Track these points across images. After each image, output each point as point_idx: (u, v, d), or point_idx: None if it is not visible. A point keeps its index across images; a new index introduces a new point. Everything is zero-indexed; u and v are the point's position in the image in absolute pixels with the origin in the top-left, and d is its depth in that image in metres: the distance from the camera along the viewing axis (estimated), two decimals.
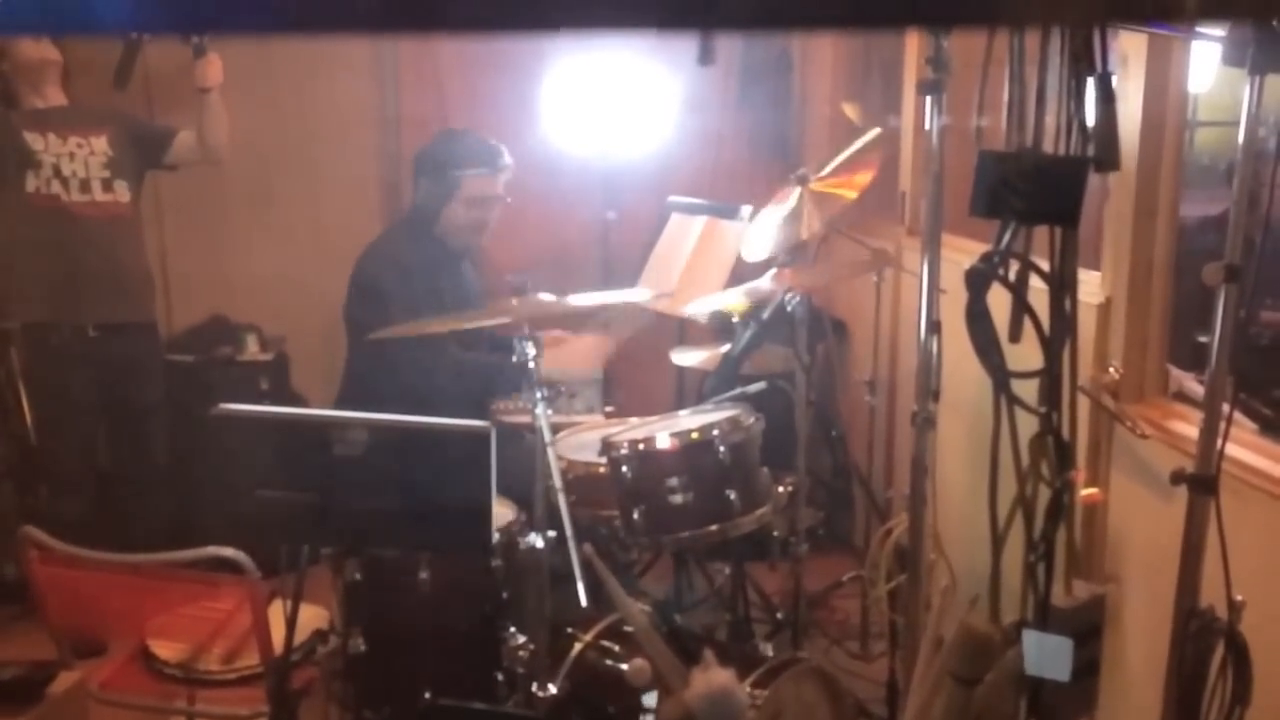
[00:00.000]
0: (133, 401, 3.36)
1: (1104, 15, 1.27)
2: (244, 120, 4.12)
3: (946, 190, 1.95)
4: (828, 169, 3.03)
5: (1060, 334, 1.54)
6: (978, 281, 1.53)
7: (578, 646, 2.30)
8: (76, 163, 3.10)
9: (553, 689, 2.14)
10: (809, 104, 4.66)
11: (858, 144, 3.03)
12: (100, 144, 3.20)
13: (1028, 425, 1.61)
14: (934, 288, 1.96)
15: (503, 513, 2.40)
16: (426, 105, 4.35)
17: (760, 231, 3.07)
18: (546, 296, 2.31)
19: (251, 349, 4.09)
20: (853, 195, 2.89)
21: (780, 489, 2.69)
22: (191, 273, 4.11)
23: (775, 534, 3.05)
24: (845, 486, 3.98)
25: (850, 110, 4.40)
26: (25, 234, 3.12)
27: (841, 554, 3.80)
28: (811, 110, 4.65)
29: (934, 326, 1.97)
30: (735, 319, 3.08)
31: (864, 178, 2.91)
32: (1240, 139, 1.47)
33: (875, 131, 3.04)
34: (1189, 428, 2.04)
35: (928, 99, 1.89)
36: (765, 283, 2.92)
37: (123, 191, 3.15)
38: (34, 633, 2.41)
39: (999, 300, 1.58)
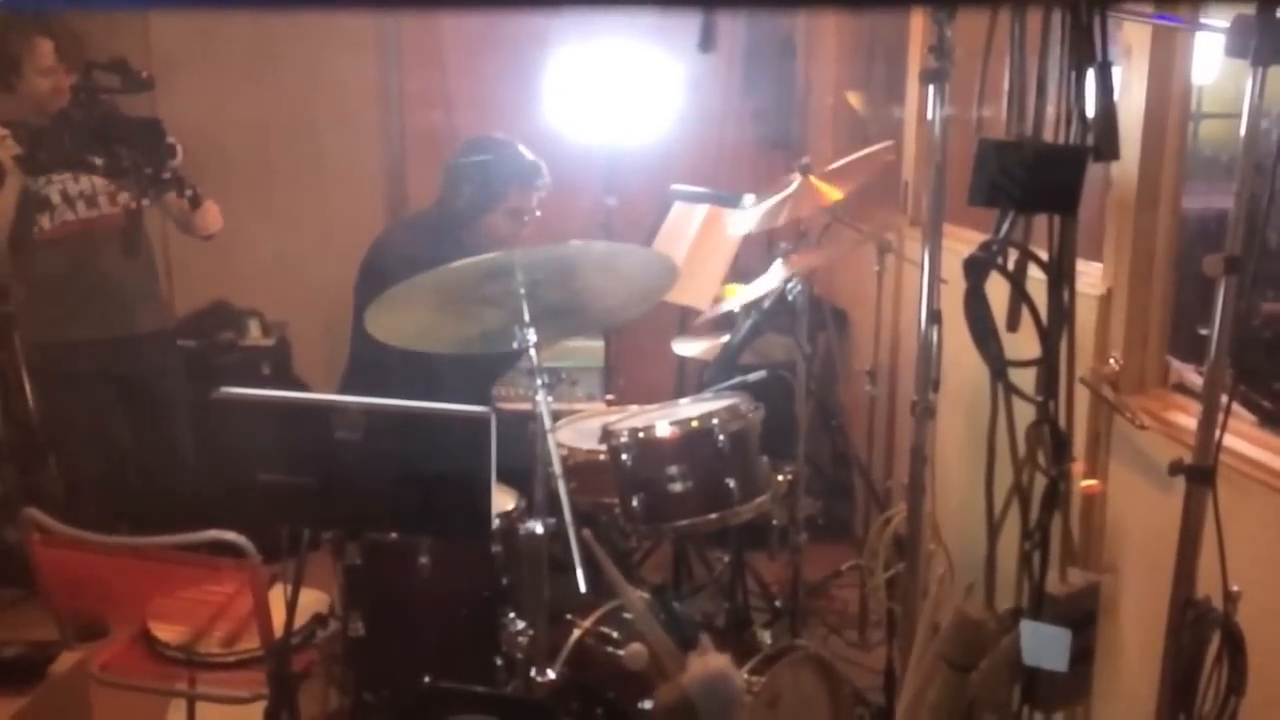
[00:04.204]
0: (153, 403, 3.35)
1: None
2: (246, 104, 4.13)
3: (949, 180, 1.95)
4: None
5: (1057, 324, 1.54)
6: (976, 270, 1.54)
7: (576, 632, 2.31)
8: (82, 182, 3.08)
9: (551, 674, 2.15)
10: (813, 92, 4.66)
11: (863, 152, 3.04)
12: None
13: (1027, 415, 1.61)
14: (935, 278, 1.96)
15: (503, 499, 2.40)
16: (430, 88, 4.35)
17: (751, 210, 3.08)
18: None
19: (254, 334, 4.11)
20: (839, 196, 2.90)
21: (780, 478, 2.69)
22: (194, 258, 4.12)
23: (774, 523, 3.06)
24: (844, 476, 3.99)
25: (854, 99, 4.39)
26: (39, 268, 3.13)
27: (840, 543, 3.82)
28: (815, 98, 4.64)
29: (934, 316, 1.97)
30: (736, 308, 3.08)
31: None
32: (1243, 131, 1.47)
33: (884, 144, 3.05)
34: (1188, 419, 2.04)
35: (930, 88, 1.88)
36: (770, 273, 2.92)
37: (124, 200, 3.13)
38: (36, 614, 2.42)
39: (998, 289, 1.58)
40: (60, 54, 2.92)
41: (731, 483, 2.42)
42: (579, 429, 2.85)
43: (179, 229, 3.20)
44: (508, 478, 2.41)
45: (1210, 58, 2.29)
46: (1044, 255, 1.60)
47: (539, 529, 2.12)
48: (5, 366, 3.57)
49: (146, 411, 3.36)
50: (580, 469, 2.59)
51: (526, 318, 2.17)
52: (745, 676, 2.12)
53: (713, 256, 3.51)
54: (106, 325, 3.18)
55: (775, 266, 2.91)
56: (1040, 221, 1.57)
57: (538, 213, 3.00)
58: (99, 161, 2.77)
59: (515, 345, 2.20)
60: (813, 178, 2.96)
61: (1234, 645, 1.59)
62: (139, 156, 2.77)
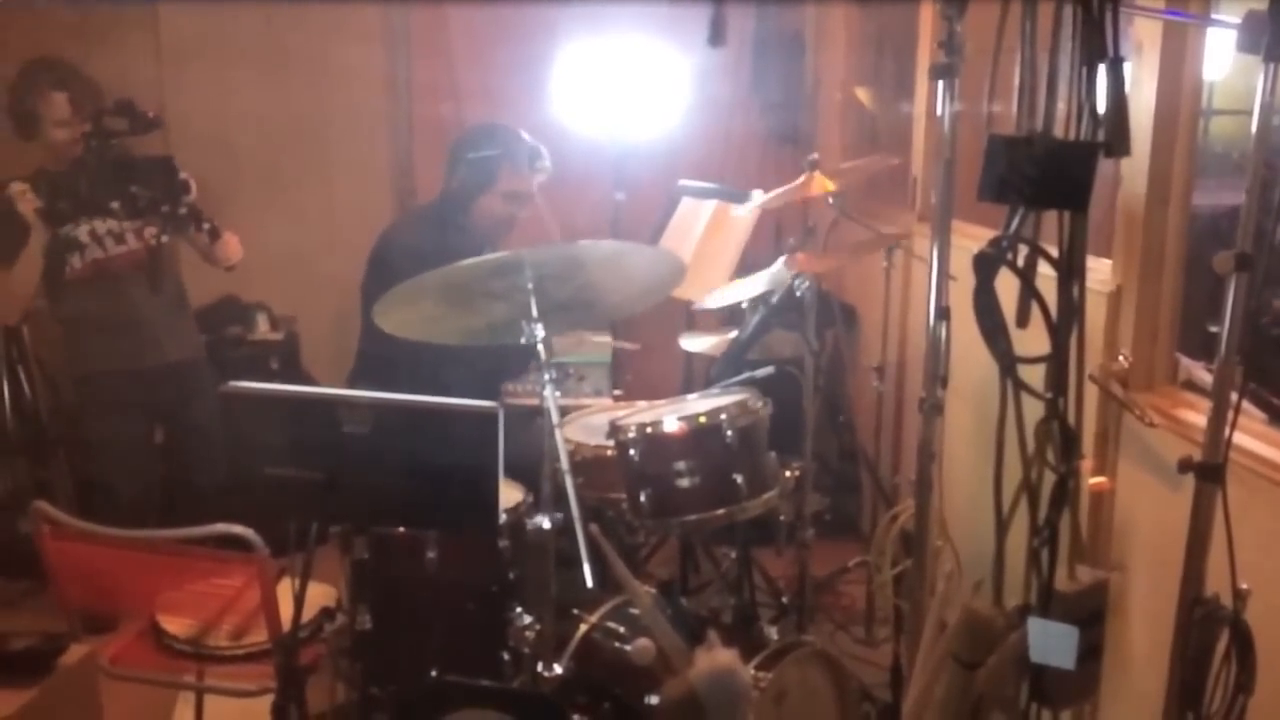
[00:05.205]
0: (188, 431, 3.37)
1: None
2: (254, 97, 4.13)
3: (958, 176, 1.95)
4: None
5: (1067, 320, 1.53)
6: (985, 266, 1.53)
7: (583, 627, 2.32)
8: (109, 220, 3.11)
9: (558, 669, 2.16)
10: (822, 87, 4.65)
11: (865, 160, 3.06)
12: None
13: (1035, 412, 1.60)
14: (943, 274, 1.96)
15: (510, 494, 2.41)
16: (438, 83, 4.35)
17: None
18: None
19: (262, 328, 4.11)
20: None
21: (787, 474, 2.69)
22: None
23: (782, 518, 3.06)
24: (852, 472, 3.99)
25: (863, 94, 4.38)
26: (72, 306, 3.17)
27: (847, 539, 3.81)
28: (824, 93, 4.63)
29: (943, 313, 1.96)
30: (744, 304, 3.08)
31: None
32: (1253, 127, 1.47)
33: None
34: (1197, 416, 2.03)
35: (940, 83, 1.88)
36: (777, 268, 2.92)
37: (151, 234, 3.16)
38: (45, 606, 2.43)
39: (1007, 286, 1.57)
40: (74, 106, 2.98)
41: (739, 478, 2.42)
42: (587, 424, 2.85)
43: (203, 260, 3.23)
44: (515, 473, 2.41)
45: (1221, 54, 2.28)
46: (1054, 251, 1.59)
47: (546, 524, 2.12)
48: (15, 362, 3.60)
49: (182, 438, 3.40)
50: (588, 464, 2.60)
51: (535, 313, 2.17)
52: (752, 672, 2.12)
53: (720, 252, 3.51)
54: (139, 356, 3.22)
55: (779, 263, 2.91)
56: (1050, 217, 1.56)
57: (537, 198, 2.99)
58: (116, 205, 2.88)
59: (523, 340, 2.20)
60: (819, 174, 2.96)
61: (1243, 643, 1.58)
62: (154, 195, 2.86)
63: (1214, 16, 2.12)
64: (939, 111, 1.89)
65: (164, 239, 3.00)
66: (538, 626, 2.18)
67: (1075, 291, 1.54)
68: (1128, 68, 1.47)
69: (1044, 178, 1.44)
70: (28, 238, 2.91)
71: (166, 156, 2.90)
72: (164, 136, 3.30)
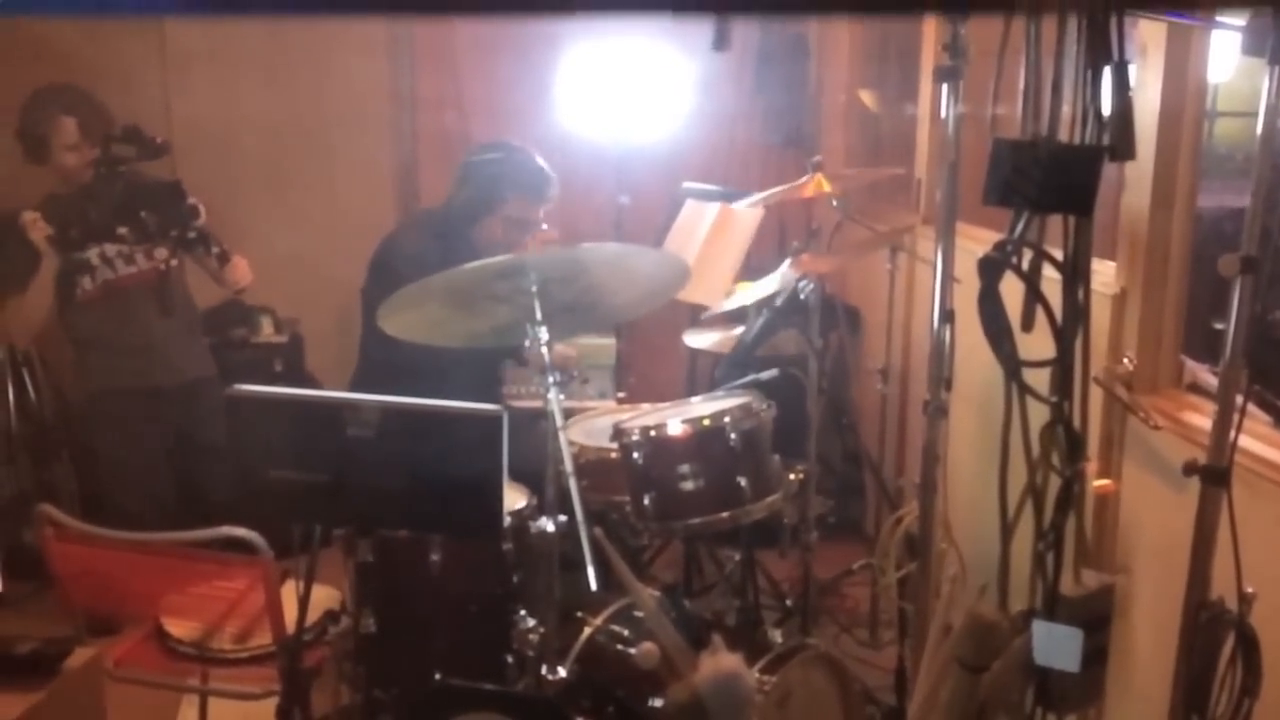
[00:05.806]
0: (200, 449, 3.37)
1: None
2: (259, 104, 4.14)
3: (962, 179, 1.95)
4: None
5: (1072, 323, 1.53)
6: (990, 270, 1.53)
7: (587, 630, 2.32)
8: (120, 244, 3.13)
9: (562, 672, 2.16)
10: (825, 90, 4.65)
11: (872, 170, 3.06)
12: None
13: (1040, 415, 1.60)
14: (948, 276, 1.96)
15: (514, 497, 2.41)
16: (442, 88, 4.36)
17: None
18: None
19: (266, 331, 4.12)
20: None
21: (791, 476, 2.69)
22: None
23: (786, 521, 3.05)
24: (856, 474, 3.99)
25: (867, 97, 4.38)
26: (83, 327, 3.19)
27: (852, 542, 3.81)
28: (828, 97, 4.63)
29: (947, 315, 1.96)
30: (748, 303, 3.08)
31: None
32: (1259, 129, 1.46)
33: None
34: (1202, 419, 2.03)
35: (944, 86, 1.88)
36: (782, 271, 2.92)
37: (161, 255, 3.17)
38: (50, 609, 2.43)
39: (1012, 289, 1.57)
40: (83, 130, 3.00)
41: (743, 481, 2.42)
42: (591, 427, 2.85)
43: (214, 283, 3.24)
44: (519, 476, 2.41)
45: (1226, 56, 2.28)
46: (1058, 255, 1.59)
47: (550, 527, 2.12)
48: (20, 365, 3.61)
49: (193, 456, 3.40)
50: (591, 467, 2.60)
51: (539, 316, 2.17)
52: (756, 675, 2.12)
53: (724, 254, 3.51)
54: (150, 375, 3.23)
55: (784, 266, 2.91)
56: (1055, 221, 1.56)
57: (543, 225, 2.97)
58: (125, 230, 2.89)
59: (527, 342, 2.20)
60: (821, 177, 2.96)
61: (1248, 646, 1.58)
62: (163, 220, 2.87)
63: (1218, 19, 2.12)
64: (943, 114, 1.89)
65: (173, 263, 3.02)
66: (541, 630, 2.18)
67: (1080, 295, 1.54)
68: (1132, 71, 1.47)
69: (1049, 181, 1.44)
70: (39, 265, 2.93)
71: (175, 181, 2.92)
72: (170, 140, 3.30)
